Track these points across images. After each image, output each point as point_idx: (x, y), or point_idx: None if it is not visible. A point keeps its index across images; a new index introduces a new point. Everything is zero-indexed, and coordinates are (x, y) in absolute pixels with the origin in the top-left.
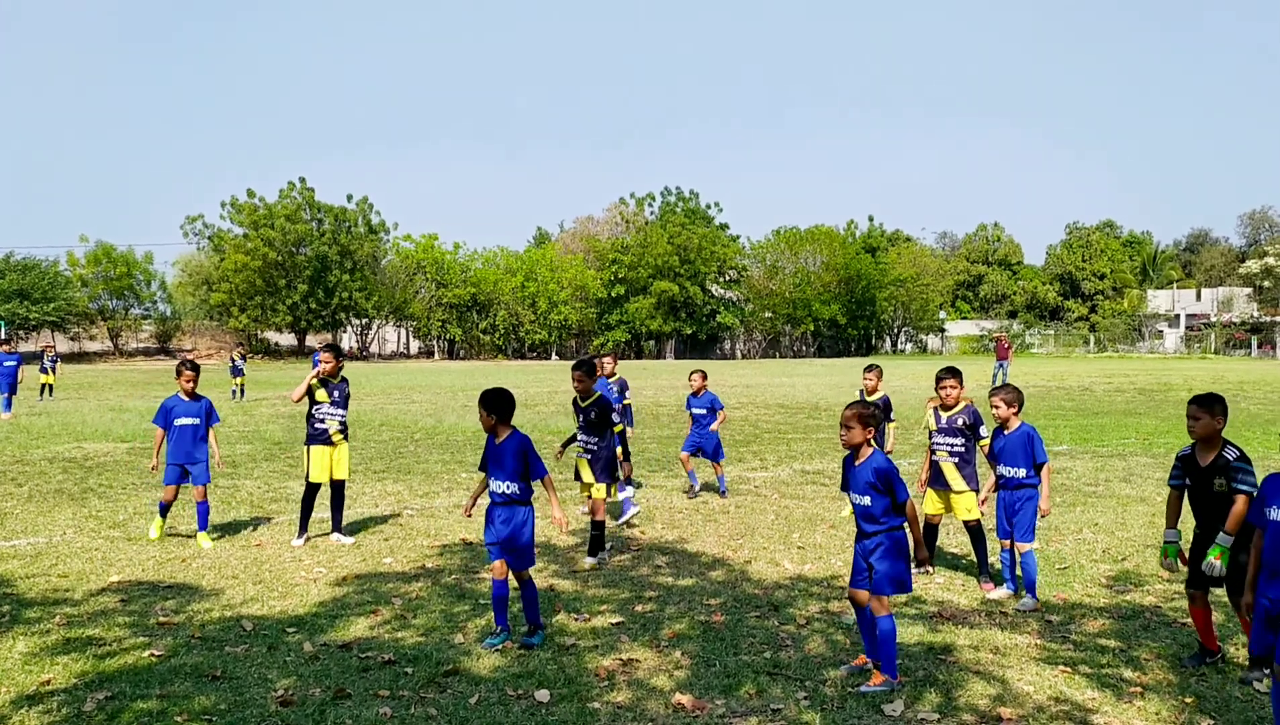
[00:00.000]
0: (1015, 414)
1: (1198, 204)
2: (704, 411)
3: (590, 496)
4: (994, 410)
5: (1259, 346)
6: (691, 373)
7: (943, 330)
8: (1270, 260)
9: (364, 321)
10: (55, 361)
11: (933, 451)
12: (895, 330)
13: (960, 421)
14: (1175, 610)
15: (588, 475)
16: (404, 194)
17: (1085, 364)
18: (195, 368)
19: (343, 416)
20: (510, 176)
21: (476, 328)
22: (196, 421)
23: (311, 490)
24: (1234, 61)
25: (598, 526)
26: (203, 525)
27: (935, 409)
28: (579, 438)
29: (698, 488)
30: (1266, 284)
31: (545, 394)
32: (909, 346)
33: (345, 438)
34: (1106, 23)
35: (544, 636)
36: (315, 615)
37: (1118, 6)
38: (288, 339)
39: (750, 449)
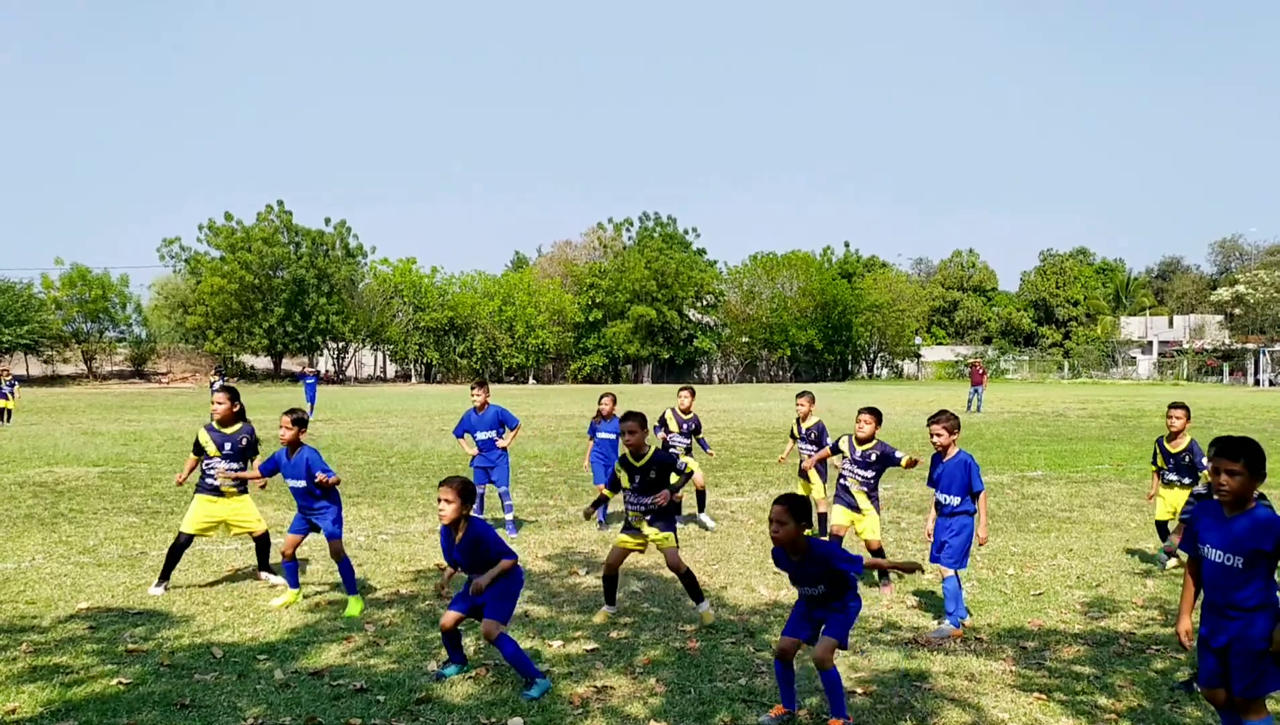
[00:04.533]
0: (954, 441)
1: (1170, 231)
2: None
3: (660, 548)
4: (934, 438)
5: (1230, 373)
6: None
7: (918, 356)
8: (1241, 288)
9: (341, 345)
10: (14, 385)
11: (843, 476)
12: (871, 356)
13: (873, 456)
14: (1148, 638)
15: (654, 533)
16: (383, 218)
17: (1060, 390)
18: (299, 422)
19: (239, 468)
20: (489, 201)
21: (454, 351)
22: (302, 484)
23: (181, 540)
24: (1205, 90)
25: (689, 576)
26: (349, 588)
27: (850, 439)
28: (631, 500)
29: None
30: (1237, 311)
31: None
32: (885, 372)
33: (242, 492)
34: (1079, 51)
35: (546, 684)
36: (286, 642)
37: (1089, 35)
38: (264, 362)
39: (727, 474)
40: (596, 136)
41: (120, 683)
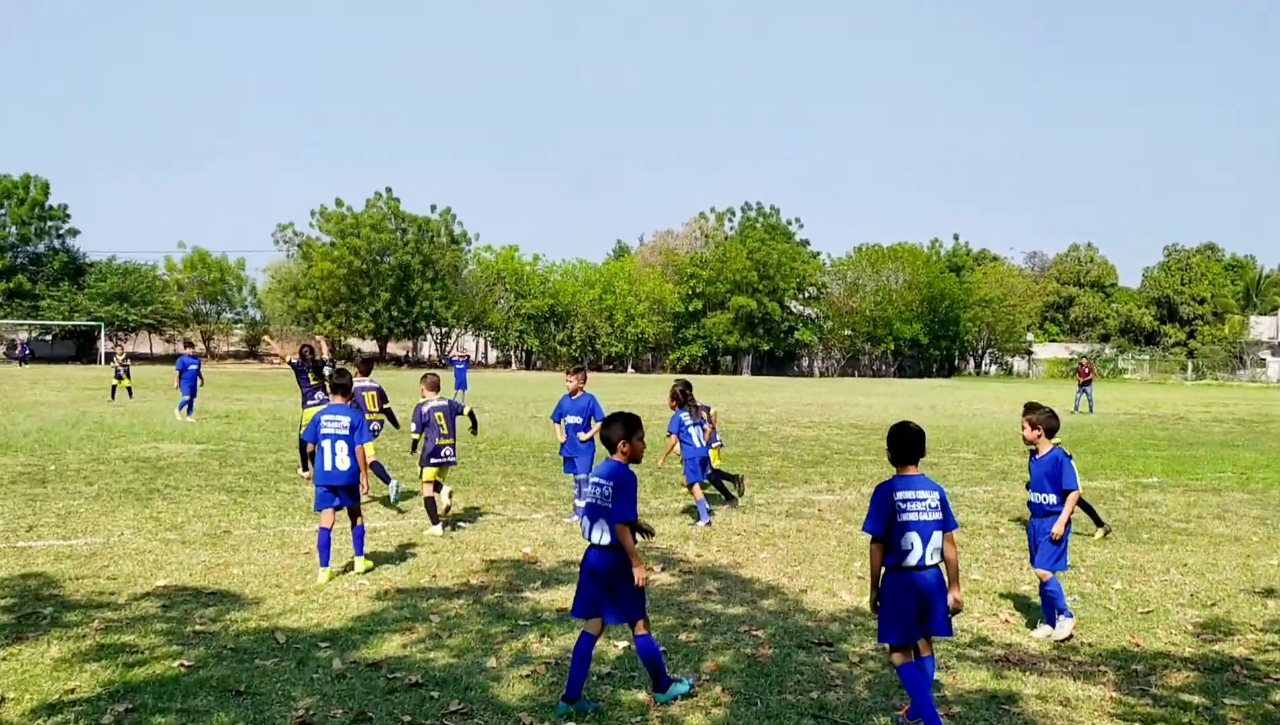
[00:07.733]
0: (1041, 437)
1: None
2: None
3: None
4: (1022, 431)
5: None
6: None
7: (1030, 353)
8: None
9: (444, 330)
10: (128, 367)
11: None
12: (979, 351)
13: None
14: (1268, 664)
15: None
16: (487, 206)
17: (1182, 392)
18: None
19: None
20: (592, 190)
21: (554, 339)
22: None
23: None
24: None
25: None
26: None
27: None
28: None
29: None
30: None
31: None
32: (994, 368)
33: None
34: (1200, 46)
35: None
36: (350, 630)
37: (1218, 19)
38: (370, 346)
39: (817, 470)
40: (701, 124)
41: (182, 665)
